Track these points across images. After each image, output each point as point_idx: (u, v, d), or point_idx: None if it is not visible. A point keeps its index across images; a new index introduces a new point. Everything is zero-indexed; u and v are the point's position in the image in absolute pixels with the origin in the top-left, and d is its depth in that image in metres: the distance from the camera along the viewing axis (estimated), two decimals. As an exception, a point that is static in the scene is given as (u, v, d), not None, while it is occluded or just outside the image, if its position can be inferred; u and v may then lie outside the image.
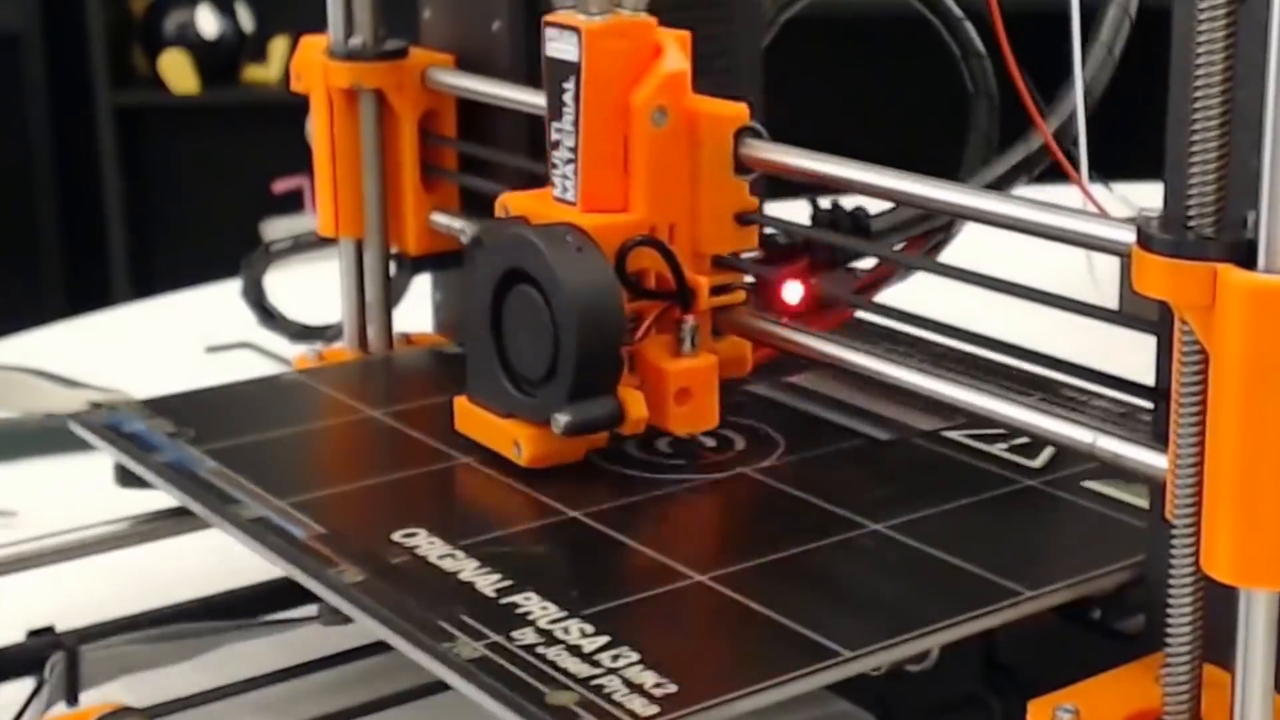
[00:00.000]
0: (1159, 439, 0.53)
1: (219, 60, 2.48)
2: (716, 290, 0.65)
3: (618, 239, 0.63)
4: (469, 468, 0.65)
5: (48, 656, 0.64)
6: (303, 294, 0.91)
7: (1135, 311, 0.54)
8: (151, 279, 2.45)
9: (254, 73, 2.51)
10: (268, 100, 2.46)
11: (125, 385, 0.92)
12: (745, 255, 0.66)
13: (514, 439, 0.63)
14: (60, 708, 0.64)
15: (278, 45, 2.48)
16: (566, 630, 0.52)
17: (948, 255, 0.72)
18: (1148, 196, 0.51)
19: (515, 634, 0.52)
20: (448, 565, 0.57)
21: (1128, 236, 0.50)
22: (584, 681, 0.49)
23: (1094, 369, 0.55)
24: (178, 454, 0.67)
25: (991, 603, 0.54)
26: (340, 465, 0.67)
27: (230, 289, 0.93)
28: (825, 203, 0.71)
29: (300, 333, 0.88)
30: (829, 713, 0.62)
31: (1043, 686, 0.52)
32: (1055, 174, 0.74)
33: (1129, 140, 0.69)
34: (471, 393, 0.66)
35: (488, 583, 0.56)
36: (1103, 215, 0.54)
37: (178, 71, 2.46)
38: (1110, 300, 0.84)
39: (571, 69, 0.64)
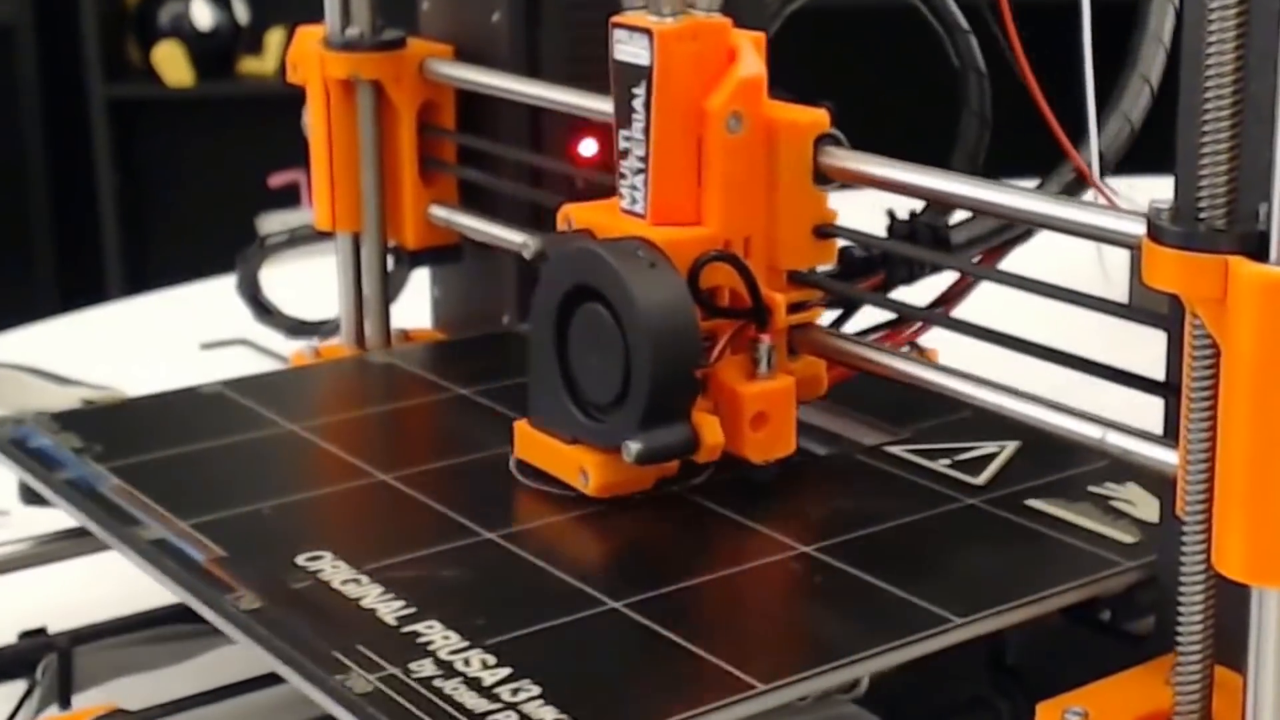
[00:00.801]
0: (1169, 435, 0.53)
1: (214, 52, 2.48)
2: (793, 308, 0.63)
3: (691, 254, 0.61)
4: (385, 486, 0.64)
5: (40, 658, 0.64)
6: (299, 289, 0.90)
7: (1145, 305, 0.54)
8: (146, 274, 2.45)
9: (249, 64, 2.50)
10: (263, 92, 2.46)
11: (119, 383, 0.92)
12: (822, 270, 0.64)
13: (580, 466, 0.61)
14: (53, 710, 0.64)
15: (273, 36, 2.48)
16: (467, 661, 0.51)
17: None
18: (1157, 190, 0.51)
19: (412, 666, 0.51)
20: (351, 591, 0.56)
21: (1138, 229, 0.50)
22: (479, 717, 0.48)
23: (1103, 364, 0.55)
24: (82, 471, 0.65)
25: (919, 630, 0.53)
26: (250, 483, 0.65)
27: (226, 284, 0.93)
28: (903, 214, 0.70)
29: (297, 328, 0.88)
30: (835, 715, 0.62)
31: (1051, 689, 0.52)
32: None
33: (1140, 131, 0.69)
34: (534, 417, 0.63)
35: (390, 610, 0.54)
36: (1113, 207, 0.54)
37: (172, 63, 2.45)
38: (1119, 296, 0.84)
39: (642, 73, 0.62)
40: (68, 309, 1.23)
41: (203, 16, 2.48)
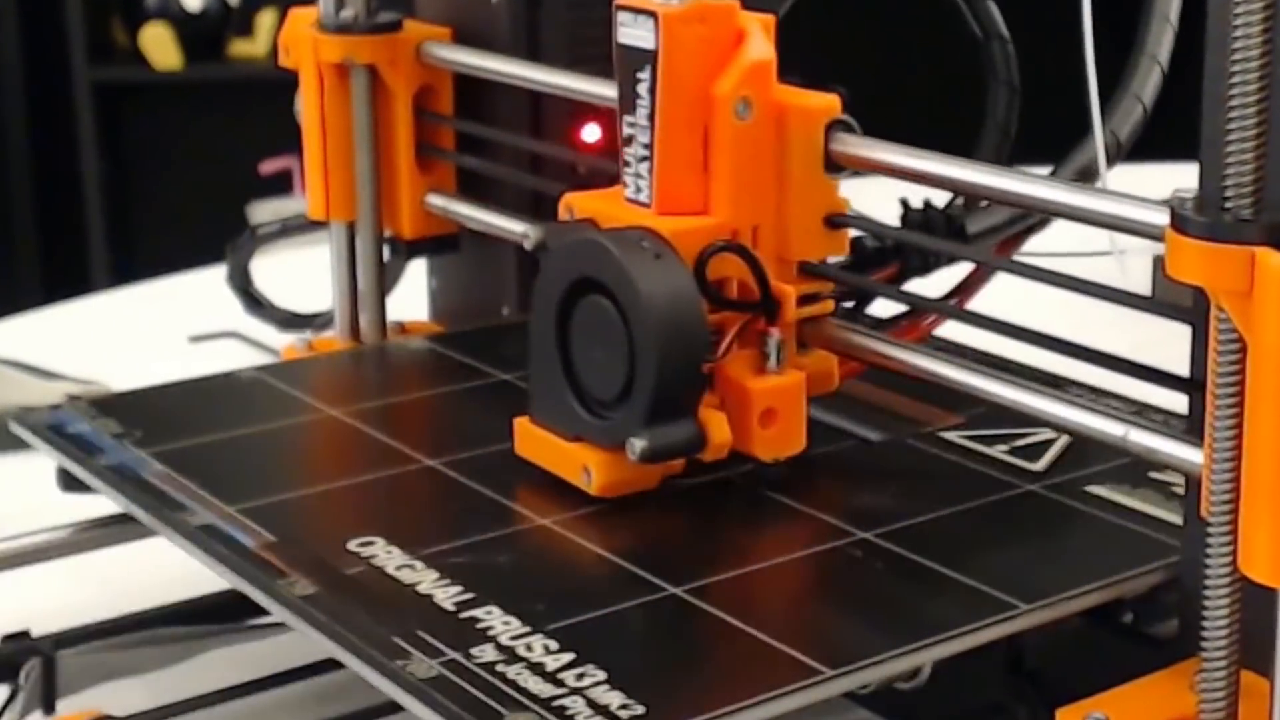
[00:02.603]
0: (1194, 433, 0.53)
1: (203, 34, 2.48)
2: (804, 300, 0.63)
3: (698, 244, 0.60)
4: (432, 471, 0.64)
5: (23, 662, 0.64)
6: (291, 280, 0.91)
7: (1168, 299, 0.54)
8: (132, 265, 2.45)
9: (240, 47, 2.50)
10: (254, 76, 2.46)
11: (104, 377, 0.92)
12: (832, 261, 0.64)
13: (583, 465, 0.61)
14: (37, 716, 0.64)
15: (265, 18, 2.48)
16: (529, 647, 0.52)
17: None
18: (1180, 178, 0.51)
19: (474, 651, 0.52)
20: (405, 576, 0.56)
21: (1161, 219, 0.50)
22: (545, 702, 0.49)
23: (1126, 359, 0.55)
24: (123, 456, 0.66)
25: (983, 617, 0.53)
26: (296, 468, 0.66)
27: (215, 275, 0.93)
28: (917, 203, 0.70)
29: (288, 321, 0.88)
30: (847, 720, 0.62)
31: (1071, 694, 0.52)
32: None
33: (1160, 117, 0.68)
34: (535, 413, 0.64)
35: (447, 595, 0.55)
36: (1134, 196, 0.54)
37: (160, 46, 2.45)
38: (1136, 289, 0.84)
39: (647, 57, 0.61)
40: (51, 300, 1.23)
41: (192, -3, 2.48)
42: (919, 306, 0.66)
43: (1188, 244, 0.47)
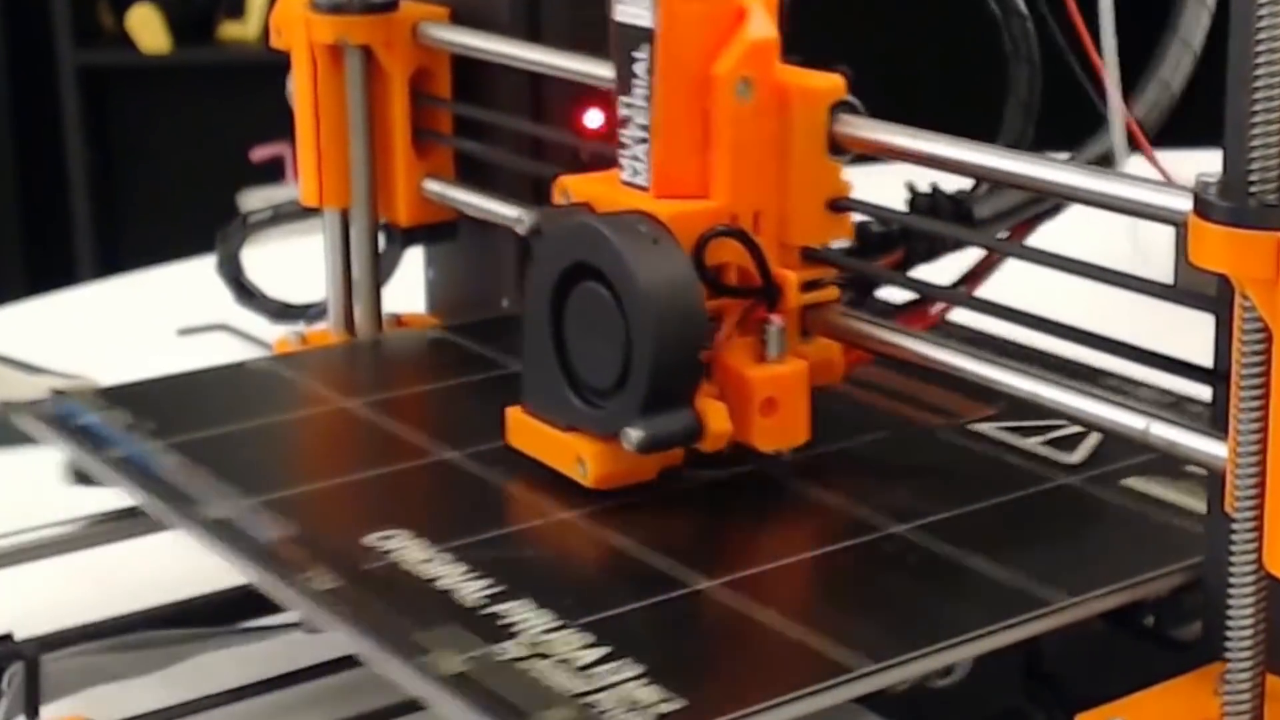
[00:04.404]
0: (1218, 426, 0.53)
1: (192, 16, 2.48)
2: (806, 286, 0.63)
3: (696, 229, 0.61)
4: (453, 463, 0.65)
5: (6, 666, 0.64)
6: (283, 270, 0.91)
7: (1191, 287, 0.54)
8: (119, 255, 2.46)
9: (230, 29, 2.51)
10: (245, 59, 2.46)
11: (91, 371, 0.92)
12: (837, 246, 0.64)
13: (578, 456, 0.62)
14: (19, 722, 0.64)
15: (256, -1, 2.48)
16: (560, 642, 0.52)
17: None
18: (1204, 164, 0.51)
19: (501, 646, 0.52)
20: (429, 571, 0.57)
21: (1184, 204, 0.50)
22: (577, 698, 0.49)
23: (1148, 350, 0.55)
24: (135, 448, 0.66)
25: (1023, 611, 0.54)
26: (314, 460, 0.67)
27: (205, 265, 0.93)
28: (924, 187, 0.70)
29: (281, 312, 0.88)
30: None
31: (1090, 699, 0.52)
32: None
33: (1184, 101, 0.68)
34: (528, 403, 0.64)
35: (472, 590, 0.55)
36: (1157, 181, 0.54)
37: (148, 28, 2.46)
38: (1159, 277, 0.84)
39: (644, 35, 0.62)
40: (36, 292, 1.23)
41: (180, -22, 2.48)
42: (926, 293, 0.66)
43: (1212, 230, 0.47)
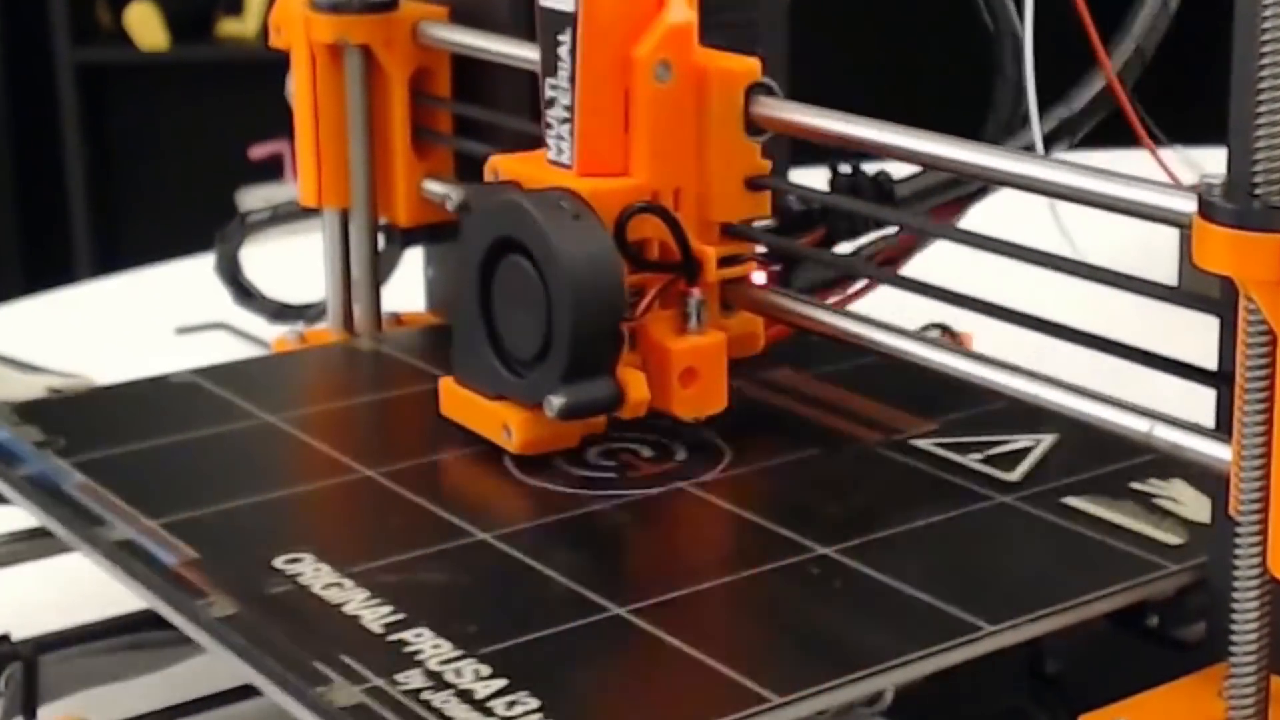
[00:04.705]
0: (1222, 428, 0.53)
1: (190, 13, 2.48)
2: (725, 261, 0.65)
3: (617, 205, 0.63)
4: (370, 482, 0.64)
5: (3, 667, 0.64)
6: (282, 270, 0.91)
7: (1195, 289, 0.54)
8: (117, 254, 2.45)
9: (229, 27, 2.51)
10: (244, 57, 2.46)
11: (88, 369, 0.92)
12: (758, 224, 0.66)
13: (504, 423, 0.64)
14: (17, 723, 0.64)
15: (255, -4, 2.48)
16: (459, 672, 0.51)
17: (968, 225, 0.71)
18: (1208, 161, 0.51)
19: (400, 676, 0.51)
20: (333, 596, 0.55)
21: (1187, 205, 0.50)
22: None
23: (1151, 352, 0.55)
24: (42, 466, 0.65)
25: (948, 639, 0.52)
26: (227, 479, 0.65)
27: (203, 264, 0.93)
28: (846, 167, 0.71)
29: (279, 312, 0.88)
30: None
31: (1093, 700, 0.52)
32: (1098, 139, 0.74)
33: (1187, 99, 0.68)
34: (458, 373, 0.66)
35: (376, 617, 0.54)
36: (1162, 182, 0.53)
37: (146, 26, 2.46)
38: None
39: (567, 19, 0.64)
40: (33, 291, 1.23)
41: (179, -25, 2.48)
42: (847, 270, 0.69)
43: (1215, 232, 0.47)
